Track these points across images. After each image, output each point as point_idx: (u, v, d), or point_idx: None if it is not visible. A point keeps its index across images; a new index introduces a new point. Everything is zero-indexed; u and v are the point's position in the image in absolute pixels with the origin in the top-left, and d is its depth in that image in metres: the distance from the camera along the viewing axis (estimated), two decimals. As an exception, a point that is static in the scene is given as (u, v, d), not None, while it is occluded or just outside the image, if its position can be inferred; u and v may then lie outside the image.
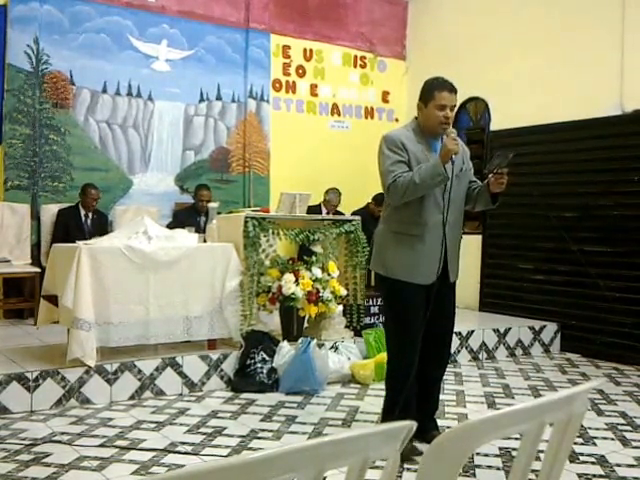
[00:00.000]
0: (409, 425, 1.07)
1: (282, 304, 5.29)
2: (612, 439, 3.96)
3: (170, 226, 6.59)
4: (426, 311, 3.54)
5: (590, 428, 4.14)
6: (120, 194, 7.36)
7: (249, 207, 7.33)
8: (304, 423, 4.19)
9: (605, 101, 6.50)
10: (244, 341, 5.06)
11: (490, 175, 3.55)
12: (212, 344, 5.13)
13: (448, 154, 3.37)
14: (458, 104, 8.62)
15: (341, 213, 7.80)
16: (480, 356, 6.23)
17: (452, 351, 5.99)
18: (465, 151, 3.78)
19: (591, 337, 6.47)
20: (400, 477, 3.28)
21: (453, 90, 3.54)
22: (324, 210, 7.88)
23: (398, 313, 3.65)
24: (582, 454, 3.68)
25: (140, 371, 4.69)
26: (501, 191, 3.60)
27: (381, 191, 8.44)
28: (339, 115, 8.82)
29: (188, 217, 6.92)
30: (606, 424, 4.25)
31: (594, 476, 3.38)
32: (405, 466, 3.39)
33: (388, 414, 3.68)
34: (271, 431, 4.02)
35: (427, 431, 3.64)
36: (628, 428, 4.18)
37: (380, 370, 5.21)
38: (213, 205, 6.26)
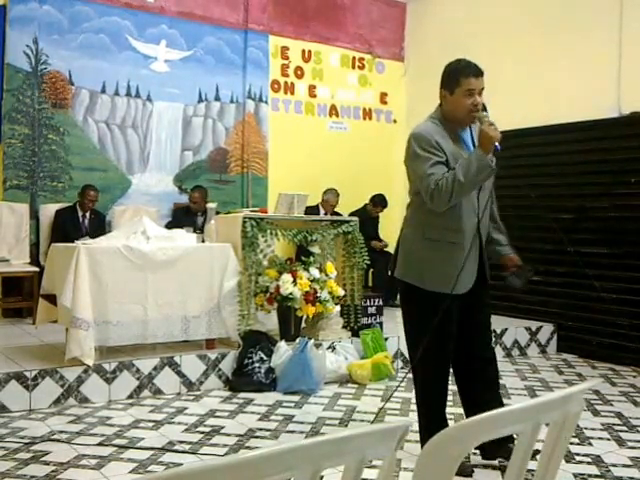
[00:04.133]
0: (404, 425, 1.08)
1: (280, 304, 5.30)
2: (608, 439, 3.98)
3: (170, 225, 6.63)
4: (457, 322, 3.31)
5: (586, 428, 4.15)
6: (119, 194, 7.37)
7: (247, 207, 7.34)
8: (301, 422, 4.20)
9: (603, 103, 6.51)
10: (242, 341, 5.07)
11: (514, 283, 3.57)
12: (210, 344, 5.14)
13: (490, 142, 3.02)
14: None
15: (339, 214, 7.80)
16: (477, 357, 6.23)
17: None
18: None
19: (587, 338, 6.49)
20: (397, 477, 3.29)
21: (480, 73, 3.22)
22: (322, 211, 7.89)
23: (434, 328, 3.18)
24: (578, 454, 3.69)
25: (138, 370, 4.70)
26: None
27: (379, 192, 8.43)
28: (337, 116, 8.83)
29: (185, 217, 6.95)
30: (602, 424, 4.26)
31: (590, 476, 3.39)
32: (402, 465, 3.40)
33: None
34: (268, 430, 4.03)
35: (498, 444, 3.08)
36: (624, 428, 4.19)
37: (377, 370, 5.24)
38: (211, 205, 6.27)
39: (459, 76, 3.21)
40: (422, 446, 3.41)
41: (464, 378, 3.53)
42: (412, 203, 3.42)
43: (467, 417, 3.48)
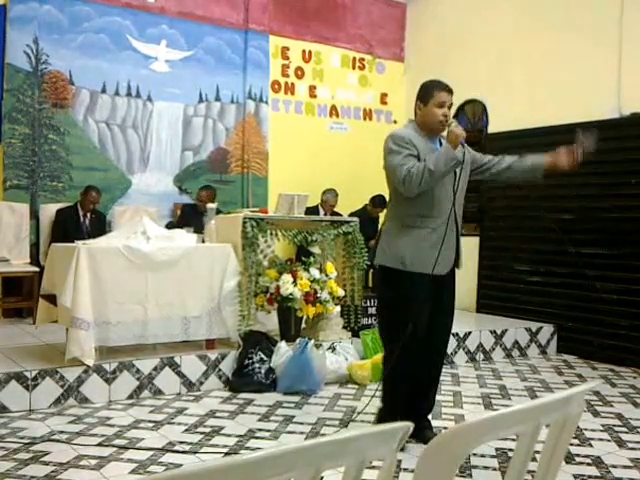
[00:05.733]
0: (406, 426, 1.08)
1: (280, 304, 5.30)
2: (608, 440, 3.98)
3: (177, 223, 6.67)
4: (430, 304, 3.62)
5: (586, 429, 4.15)
6: (119, 194, 7.36)
7: (247, 208, 7.34)
8: (301, 423, 4.20)
9: (603, 104, 6.51)
10: (242, 341, 5.07)
11: (580, 152, 3.74)
12: (210, 344, 5.14)
13: (457, 138, 3.45)
14: (456, 106, 8.60)
15: (339, 214, 7.80)
16: (477, 357, 6.24)
17: (449, 352, 6.02)
18: (466, 146, 3.79)
19: (587, 339, 6.49)
20: (397, 477, 3.29)
21: (450, 91, 3.68)
22: (322, 211, 7.89)
23: (410, 309, 3.54)
24: (578, 455, 3.69)
25: (138, 370, 4.70)
26: (566, 169, 3.76)
27: (379, 193, 8.43)
28: (338, 117, 8.83)
29: (192, 216, 7.00)
30: (602, 425, 4.26)
31: (590, 477, 3.39)
32: (402, 466, 3.40)
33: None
34: (269, 431, 4.03)
35: (421, 430, 3.70)
36: (624, 429, 4.20)
37: (377, 371, 5.23)
38: (211, 206, 6.27)
39: (433, 90, 3.66)
40: (376, 420, 3.87)
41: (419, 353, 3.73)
42: (390, 200, 3.82)
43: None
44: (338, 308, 5.67)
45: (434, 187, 3.54)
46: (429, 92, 3.66)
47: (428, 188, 3.51)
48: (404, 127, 3.80)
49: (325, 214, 7.75)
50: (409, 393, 3.72)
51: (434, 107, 3.61)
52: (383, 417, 3.79)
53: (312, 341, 5.00)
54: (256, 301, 5.30)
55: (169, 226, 6.54)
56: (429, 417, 3.92)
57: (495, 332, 6.41)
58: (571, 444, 3.76)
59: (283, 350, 5.01)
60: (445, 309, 3.79)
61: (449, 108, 3.65)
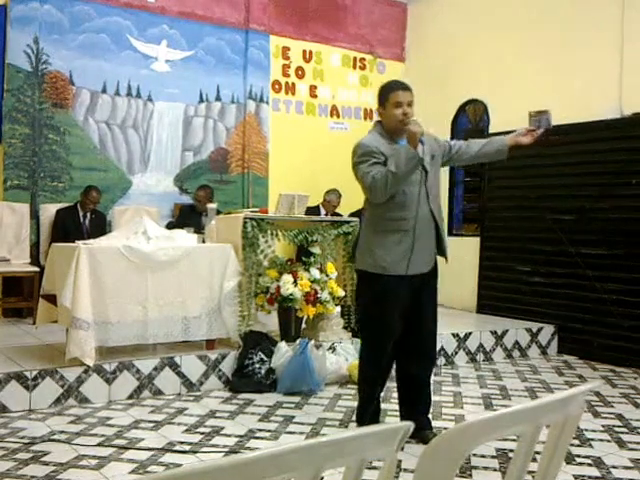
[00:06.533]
0: (406, 426, 1.08)
1: (280, 305, 5.30)
2: (608, 441, 3.97)
3: (175, 224, 6.66)
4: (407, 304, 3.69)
5: (586, 430, 4.15)
6: (119, 194, 7.37)
7: (248, 208, 7.34)
8: (302, 423, 4.20)
9: (604, 104, 6.51)
10: (242, 341, 5.07)
11: (538, 131, 3.79)
12: (210, 344, 5.13)
13: (414, 136, 3.46)
14: (457, 106, 8.61)
15: (340, 214, 7.80)
16: (477, 358, 6.24)
17: (450, 352, 6.02)
18: (436, 139, 3.87)
19: (588, 339, 6.48)
20: (397, 477, 3.29)
21: (406, 88, 3.69)
22: (323, 211, 7.89)
23: (387, 311, 3.68)
24: (578, 456, 3.69)
25: (139, 371, 4.70)
26: (527, 143, 3.82)
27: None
28: (338, 116, 8.83)
29: (191, 216, 6.99)
30: (602, 426, 4.26)
31: (590, 478, 3.39)
32: (402, 466, 3.40)
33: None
34: (269, 431, 4.03)
35: (419, 430, 3.73)
36: (624, 430, 4.19)
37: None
38: (211, 206, 6.26)
39: (388, 92, 3.70)
40: (357, 422, 3.99)
41: (404, 354, 3.85)
42: (365, 205, 3.92)
43: (399, 392, 3.99)
44: (338, 308, 5.67)
45: (404, 188, 3.60)
46: (384, 94, 3.71)
47: (396, 190, 3.56)
48: (370, 133, 3.81)
49: (327, 214, 7.75)
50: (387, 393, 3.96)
51: (392, 108, 3.65)
52: (357, 415, 3.98)
53: (312, 341, 5.00)
54: (256, 301, 5.30)
55: (169, 226, 6.54)
56: (429, 417, 3.93)
57: (495, 332, 6.40)
58: (571, 444, 3.76)
59: (283, 350, 5.01)
60: (427, 307, 3.83)
61: (409, 105, 3.65)
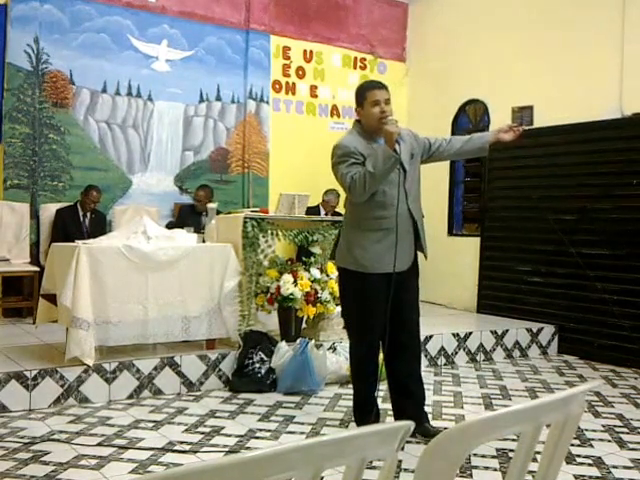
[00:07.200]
0: (407, 425, 1.08)
1: (280, 304, 5.30)
2: (609, 441, 3.97)
3: (175, 224, 6.65)
4: (388, 300, 3.69)
5: (587, 430, 4.15)
6: (119, 194, 7.36)
7: (248, 208, 7.34)
8: (302, 423, 4.20)
9: (605, 105, 6.51)
10: (242, 341, 5.06)
11: (520, 128, 3.85)
12: (210, 344, 5.13)
13: (391, 137, 3.52)
14: (458, 106, 8.60)
15: (340, 214, 7.80)
16: (478, 358, 6.24)
17: (450, 352, 6.03)
18: (416, 138, 3.93)
19: (589, 339, 6.48)
20: (397, 477, 3.29)
21: (382, 87, 3.76)
22: (323, 211, 7.89)
23: (369, 308, 3.74)
24: (579, 455, 3.69)
25: (139, 370, 4.69)
26: (508, 140, 3.86)
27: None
28: (339, 117, 8.83)
29: (191, 216, 6.99)
30: (603, 426, 4.26)
31: (590, 478, 3.38)
32: (402, 466, 3.40)
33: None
34: (269, 431, 4.03)
35: (418, 425, 3.75)
36: (625, 430, 4.19)
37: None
38: (212, 206, 6.26)
39: (365, 92, 3.75)
40: (355, 421, 4.00)
41: (390, 351, 3.84)
42: (346, 204, 3.96)
43: (390, 390, 4.00)
44: (339, 308, 5.65)
45: (384, 188, 3.63)
46: (362, 94, 3.75)
47: (375, 190, 3.60)
48: (349, 133, 3.85)
49: (326, 214, 7.74)
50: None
51: (370, 107, 3.69)
52: (353, 412, 4.01)
53: (312, 341, 5.00)
54: (256, 301, 5.30)
55: (169, 226, 6.54)
56: (425, 410, 3.99)
57: (496, 332, 6.40)
58: (572, 444, 3.75)
59: (283, 350, 5.01)
60: (409, 304, 3.85)
61: (387, 103, 3.70)
